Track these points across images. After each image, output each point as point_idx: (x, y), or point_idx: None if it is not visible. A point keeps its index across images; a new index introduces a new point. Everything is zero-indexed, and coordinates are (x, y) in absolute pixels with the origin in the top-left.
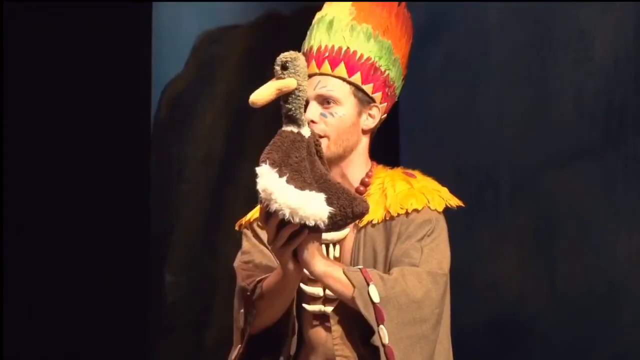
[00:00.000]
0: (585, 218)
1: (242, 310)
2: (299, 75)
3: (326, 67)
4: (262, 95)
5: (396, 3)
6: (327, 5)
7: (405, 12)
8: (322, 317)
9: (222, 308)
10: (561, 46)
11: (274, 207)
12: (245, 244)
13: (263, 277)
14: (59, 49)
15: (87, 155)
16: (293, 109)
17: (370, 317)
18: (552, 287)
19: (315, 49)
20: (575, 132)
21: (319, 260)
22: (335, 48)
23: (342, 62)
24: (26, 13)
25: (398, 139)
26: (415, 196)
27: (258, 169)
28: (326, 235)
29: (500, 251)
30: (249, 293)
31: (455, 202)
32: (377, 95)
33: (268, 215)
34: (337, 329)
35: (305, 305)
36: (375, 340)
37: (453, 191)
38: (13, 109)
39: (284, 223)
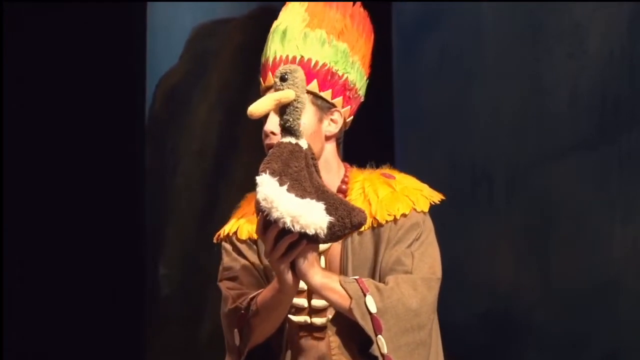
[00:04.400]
0: (579, 212)
1: (236, 330)
2: (297, 87)
3: None
4: (260, 106)
5: (350, 3)
6: (282, 11)
7: (361, 11)
8: (308, 328)
9: (217, 301)
10: (555, 40)
11: (275, 215)
12: (226, 259)
13: (255, 293)
14: (53, 43)
15: (82, 149)
16: (291, 120)
17: (368, 328)
18: (547, 282)
19: (270, 60)
20: (570, 126)
21: (316, 272)
22: (290, 58)
23: None
24: (21, 6)
25: (392, 134)
26: (400, 200)
27: (258, 179)
28: None
29: (494, 246)
30: (242, 311)
31: (437, 197)
32: (338, 100)
33: (267, 225)
34: (334, 340)
35: (290, 316)
36: (374, 350)
37: (447, 185)
38: (8, 103)
39: (282, 233)
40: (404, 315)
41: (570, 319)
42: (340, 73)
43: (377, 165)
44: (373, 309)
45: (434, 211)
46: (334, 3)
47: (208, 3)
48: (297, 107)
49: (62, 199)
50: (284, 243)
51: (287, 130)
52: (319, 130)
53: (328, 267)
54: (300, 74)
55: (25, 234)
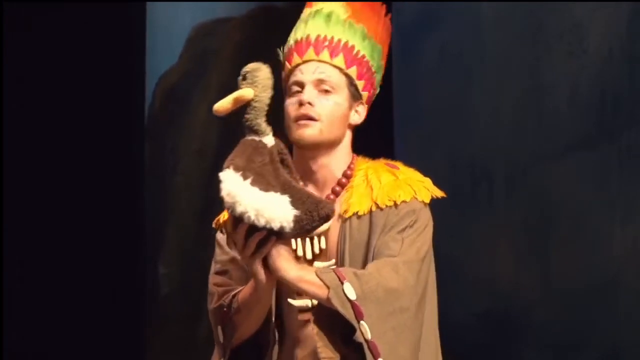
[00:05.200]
0: (579, 211)
1: (219, 327)
2: (256, 86)
3: (325, 55)
4: (221, 104)
5: (383, 9)
6: (319, 3)
7: (388, 21)
8: (309, 312)
9: None
10: (555, 39)
11: (238, 209)
12: (217, 252)
13: (237, 290)
14: (53, 43)
15: (82, 149)
16: (251, 118)
17: (349, 315)
18: (547, 281)
19: (313, 37)
20: (569, 124)
21: (290, 266)
22: (335, 39)
23: (341, 53)
24: (21, 6)
25: (392, 132)
26: (401, 187)
27: (221, 174)
28: None
29: (494, 244)
30: (225, 309)
31: (438, 193)
32: (365, 94)
33: (236, 223)
34: (318, 332)
35: (290, 301)
36: (358, 336)
37: (447, 184)
38: (8, 103)
39: (252, 231)
40: (385, 298)
41: (570, 319)
42: (373, 69)
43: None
44: (352, 296)
45: (434, 210)
46: (369, 3)
47: (208, 3)
48: (255, 106)
49: (61, 198)
50: (254, 240)
51: (248, 128)
52: (347, 115)
53: (327, 249)
54: (262, 73)
55: (25, 233)
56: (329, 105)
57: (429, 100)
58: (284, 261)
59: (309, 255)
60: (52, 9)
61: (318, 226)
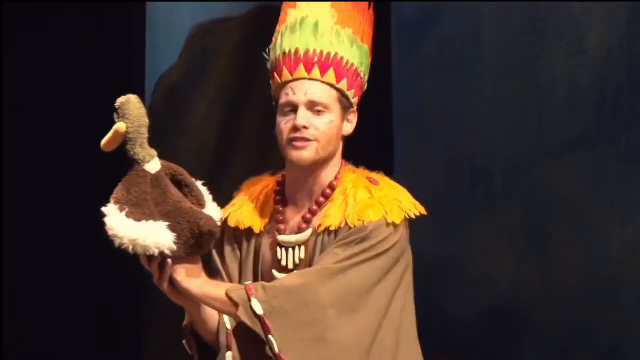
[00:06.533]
0: (579, 209)
1: (183, 341)
2: (128, 119)
3: (316, 72)
4: (104, 141)
5: (366, 6)
6: (303, 5)
7: (372, 18)
8: None
9: None
10: (555, 37)
11: (117, 242)
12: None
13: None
14: (52, 42)
15: (82, 148)
16: (129, 149)
17: (259, 330)
18: (546, 278)
19: (302, 51)
20: (568, 123)
21: (194, 285)
22: (324, 53)
23: (332, 68)
24: (22, 5)
25: (392, 130)
26: (373, 207)
27: (104, 209)
28: (290, 238)
29: (494, 242)
30: (185, 324)
31: (417, 210)
32: (355, 101)
33: (143, 258)
34: (235, 349)
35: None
36: (268, 350)
37: (447, 183)
38: (8, 102)
39: (151, 259)
40: (293, 311)
41: (570, 316)
42: (362, 75)
43: (376, 164)
44: (260, 311)
45: (434, 209)
46: (353, 3)
47: (208, 2)
48: (131, 138)
49: (61, 197)
50: (153, 267)
51: (131, 158)
52: (340, 128)
53: (306, 259)
54: (131, 106)
55: (25, 233)
56: (323, 124)
57: (428, 97)
58: (186, 281)
59: (290, 265)
60: (52, 8)
61: (210, 240)
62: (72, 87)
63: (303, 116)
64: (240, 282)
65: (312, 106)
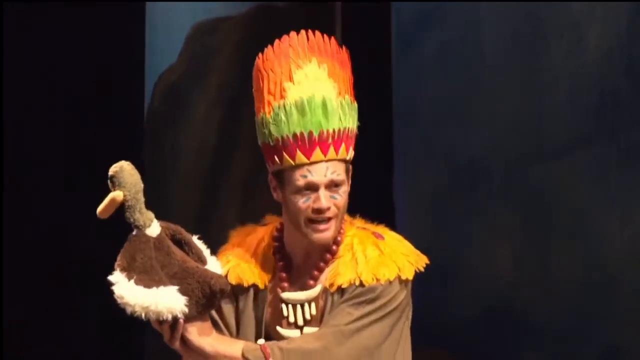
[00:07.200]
0: (578, 207)
1: None
2: (124, 187)
3: (332, 152)
4: (100, 209)
5: (346, 55)
6: (302, 79)
7: (348, 57)
8: None
9: None
10: (555, 37)
11: (129, 310)
12: None
13: None
14: (52, 41)
15: (81, 147)
16: (128, 216)
17: None
18: (546, 276)
19: (316, 134)
20: (568, 122)
21: (207, 344)
22: (336, 131)
23: (343, 144)
24: (22, 5)
25: (392, 131)
26: (386, 265)
27: (110, 277)
28: (298, 296)
29: (494, 240)
30: None
31: (423, 262)
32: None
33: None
34: None
35: (279, 329)
36: None
37: (447, 183)
38: (8, 102)
39: (163, 322)
40: None
41: (570, 316)
42: (356, 130)
43: (376, 164)
44: None
45: (434, 208)
46: (337, 58)
47: (207, 2)
48: (129, 205)
49: (60, 196)
50: (165, 329)
51: (131, 225)
52: (348, 191)
53: (317, 317)
54: (125, 174)
55: (24, 233)
56: (341, 198)
57: (428, 98)
58: (198, 340)
59: (300, 322)
60: (51, 8)
61: (221, 298)
62: (72, 87)
63: (326, 197)
64: (238, 333)
65: (331, 185)
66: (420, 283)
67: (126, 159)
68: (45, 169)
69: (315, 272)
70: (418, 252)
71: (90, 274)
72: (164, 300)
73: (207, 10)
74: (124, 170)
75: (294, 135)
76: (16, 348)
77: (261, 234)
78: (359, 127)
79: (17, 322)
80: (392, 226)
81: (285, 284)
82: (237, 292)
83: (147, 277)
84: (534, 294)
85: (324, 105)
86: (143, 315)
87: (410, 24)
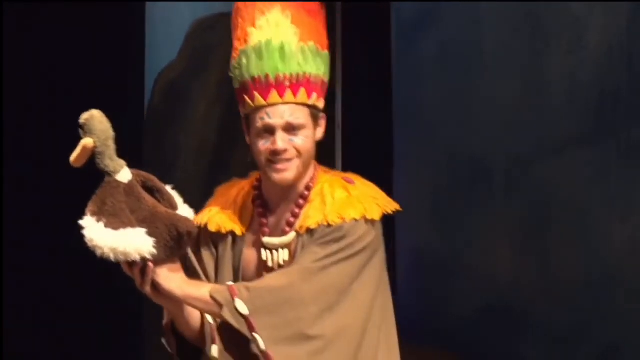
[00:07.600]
0: (579, 206)
1: (163, 340)
2: (94, 134)
3: (289, 95)
4: (73, 157)
5: (319, 7)
6: (263, 24)
7: (325, 16)
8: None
9: None
10: (554, 35)
11: (99, 252)
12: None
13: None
14: (52, 40)
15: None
16: (99, 162)
17: (244, 330)
18: (547, 275)
19: (273, 77)
20: (568, 120)
21: (176, 286)
22: (294, 75)
23: (302, 88)
24: (22, 5)
25: (392, 128)
26: (353, 205)
27: (81, 222)
28: (274, 241)
29: (494, 239)
30: (164, 322)
31: (392, 207)
32: (323, 104)
33: (124, 264)
34: (220, 345)
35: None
36: (254, 348)
37: (447, 181)
38: (8, 101)
39: (133, 265)
40: (277, 309)
41: (570, 314)
42: (326, 80)
43: (376, 163)
44: (244, 311)
45: (435, 207)
46: (307, 8)
47: None
48: (100, 152)
49: (60, 196)
50: (135, 273)
51: (102, 171)
52: (314, 138)
53: (290, 261)
54: (95, 121)
55: (24, 233)
56: (301, 142)
57: (428, 96)
58: (168, 283)
59: (275, 267)
60: (51, 7)
61: (188, 241)
62: (72, 85)
63: (282, 139)
64: (217, 280)
65: (289, 127)
66: (420, 281)
67: (126, 157)
68: (45, 169)
69: (291, 218)
70: (389, 198)
71: (90, 273)
72: (132, 242)
73: (207, 7)
74: (94, 118)
75: (253, 78)
76: (16, 348)
77: (243, 184)
78: (358, 127)
79: (17, 322)
80: (392, 225)
81: (266, 229)
82: (216, 239)
83: (116, 220)
84: (533, 294)
85: (282, 49)
86: (112, 256)
87: (410, 24)
